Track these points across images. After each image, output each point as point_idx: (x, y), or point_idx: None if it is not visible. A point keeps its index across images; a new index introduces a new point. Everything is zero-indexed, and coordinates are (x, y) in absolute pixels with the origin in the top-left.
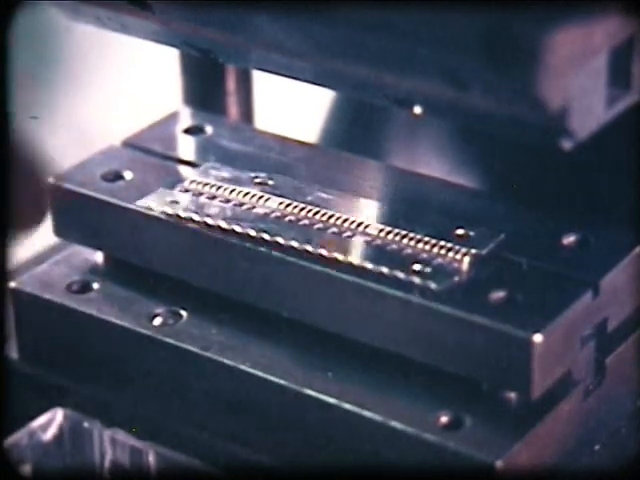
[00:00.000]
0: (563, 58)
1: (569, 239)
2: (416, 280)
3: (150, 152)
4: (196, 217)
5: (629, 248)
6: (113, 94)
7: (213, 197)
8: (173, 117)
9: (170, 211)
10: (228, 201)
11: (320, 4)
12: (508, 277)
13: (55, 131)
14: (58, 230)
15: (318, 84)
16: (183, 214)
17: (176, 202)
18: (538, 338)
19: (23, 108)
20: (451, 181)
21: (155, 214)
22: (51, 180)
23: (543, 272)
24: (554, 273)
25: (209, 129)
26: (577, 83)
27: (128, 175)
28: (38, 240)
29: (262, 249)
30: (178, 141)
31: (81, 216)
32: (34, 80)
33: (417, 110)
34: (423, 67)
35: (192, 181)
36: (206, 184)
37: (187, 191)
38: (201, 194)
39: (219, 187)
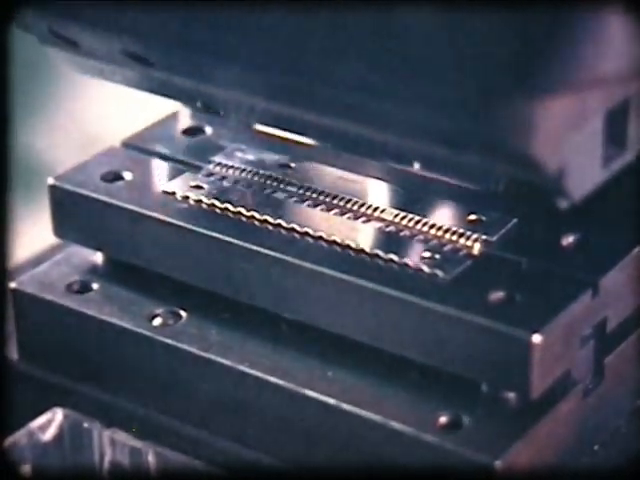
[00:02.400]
0: (558, 121)
1: (568, 239)
2: (425, 269)
3: (150, 152)
4: (218, 203)
5: (629, 248)
6: (113, 94)
7: (236, 181)
8: (173, 117)
9: (193, 196)
10: (250, 185)
11: (314, 62)
12: (507, 277)
13: (55, 131)
14: (58, 231)
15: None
16: (206, 200)
17: (199, 187)
18: (537, 338)
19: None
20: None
21: (155, 215)
22: (51, 181)
23: (543, 272)
24: (554, 273)
25: (209, 129)
26: (573, 145)
27: (128, 176)
28: (38, 240)
29: (261, 249)
30: (178, 141)
31: (81, 217)
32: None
33: (416, 167)
34: (418, 128)
35: (217, 164)
36: (230, 167)
37: (211, 175)
38: (224, 177)
39: (242, 170)
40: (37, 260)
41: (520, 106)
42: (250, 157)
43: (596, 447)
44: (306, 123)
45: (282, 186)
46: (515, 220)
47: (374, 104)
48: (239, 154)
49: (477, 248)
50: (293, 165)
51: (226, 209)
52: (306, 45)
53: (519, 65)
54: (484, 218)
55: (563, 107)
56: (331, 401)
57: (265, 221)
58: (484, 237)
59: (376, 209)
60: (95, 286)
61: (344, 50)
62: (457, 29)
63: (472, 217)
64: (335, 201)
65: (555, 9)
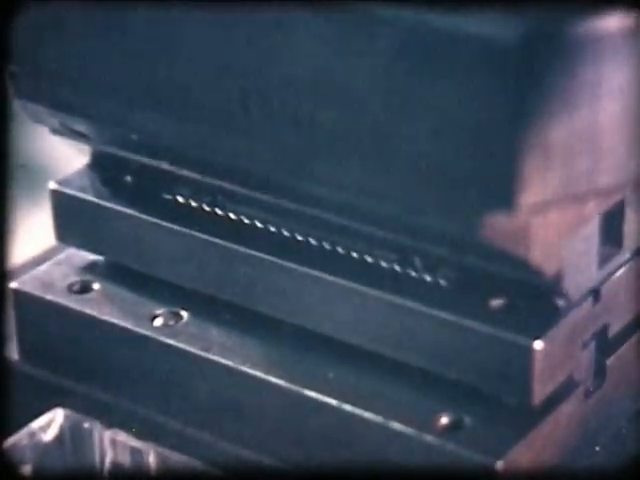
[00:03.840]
0: (556, 230)
1: None
2: (426, 275)
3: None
4: (218, 209)
5: (630, 254)
6: None
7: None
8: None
9: (194, 202)
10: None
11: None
12: (508, 283)
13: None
14: (60, 235)
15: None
16: (207, 206)
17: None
18: (539, 345)
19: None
20: None
21: (157, 220)
22: (53, 185)
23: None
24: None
25: None
26: (570, 249)
27: (129, 180)
28: (39, 240)
29: (263, 255)
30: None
31: (82, 221)
32: None
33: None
34: (419, 230)
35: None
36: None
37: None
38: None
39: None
40: (38, 260)
41: (517, 217)
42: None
43: (597, 448)
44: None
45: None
46: None
47: (370, 205)
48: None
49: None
50: None
51: (226, 214)
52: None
53: (516, 180)
54: None
55: (560, 215)
56: (332, 401)
57: (266, 226)
58: None
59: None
60: (96, 286)
61: (338, 149)
62: (455, 139)
63: None
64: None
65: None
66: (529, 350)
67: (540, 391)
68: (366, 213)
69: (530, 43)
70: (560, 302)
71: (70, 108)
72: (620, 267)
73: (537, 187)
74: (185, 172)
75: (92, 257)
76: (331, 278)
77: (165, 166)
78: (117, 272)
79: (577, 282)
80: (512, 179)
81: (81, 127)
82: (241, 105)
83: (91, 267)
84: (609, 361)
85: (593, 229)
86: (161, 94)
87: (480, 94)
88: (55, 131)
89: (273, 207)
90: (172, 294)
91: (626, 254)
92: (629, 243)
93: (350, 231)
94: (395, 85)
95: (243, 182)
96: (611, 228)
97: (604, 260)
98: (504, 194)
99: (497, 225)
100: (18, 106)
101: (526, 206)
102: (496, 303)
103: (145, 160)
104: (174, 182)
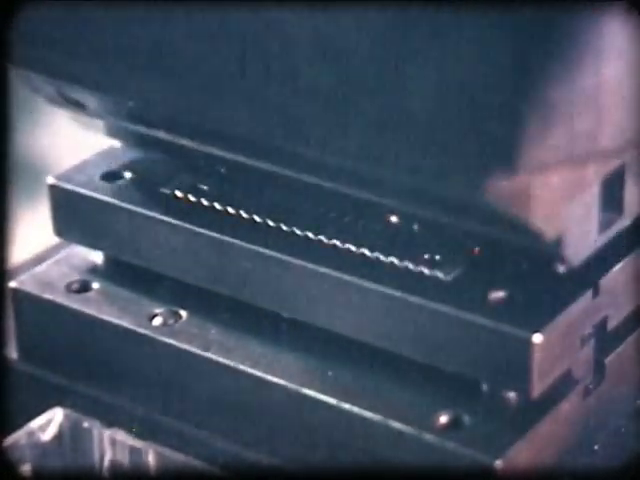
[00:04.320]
0: (557, 192)
1: None
2: (425, 271)
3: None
4: (217, 204)
5: (629, 248)
6: None
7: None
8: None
9: (193, 197)
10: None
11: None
12: (507, 277)
13: (55, 131)
14: (58, 230)
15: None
16: (205, 200)
17: (199, 187)
18: (538, 338)
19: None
20: None
21: (155, 215)
22: (51, 180)
23: (543, 271)
24: (554, 272)
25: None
26: (571, 213)
27: (128, 175)
28: (38, 240)
29: (261, 249)
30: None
31: (81, 216)
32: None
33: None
34: (418, 193)
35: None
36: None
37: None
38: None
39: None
40: (37, 259)
41: (519, 178)
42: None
43: (596, 447)
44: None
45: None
46: None
47: (372, 169)
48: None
49: (477, 248)
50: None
51: (225, 209)
52: (301, 108)
53: (518, 139)
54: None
55: (561, 178)
56: (331, 400)
57: (265, 221)
58: None
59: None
60: (95, 286)
61: (339, 112)
62: (457, 100)
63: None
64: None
65: (554, 82)
66: (528, 343)
67: (539, 384)
68: (367, 179)
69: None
70: (560, 268)
71: (66, 75)
72: (619, 234)
73: (538, 147)
74: (183, 141)
75: (91, 256)
76: (330, 272)
77: (162, 135)
78: (116, 271)
79: (578, 248)
80: (514, 139)
81: (77, 95)
82: (239, 69)
83: (90, 266)
84: (608, 359)
85: (594, 194)
86: (158, 59)
87: (482, 53)
88: (52, 100)
89: (272, 194)
90: (171, 293)
91: (627, 220)
92: (629, 210)
93: (351, 203)
94: (395, 45)
95: (241, 150)
96: (611, 195)
97: (605, 226)
98: (506, 154)
99: (498, 187)
100: (15, 76)
101: (528, 166)
102: (495, 296)
103: (142, 129)
104: (172, 175)
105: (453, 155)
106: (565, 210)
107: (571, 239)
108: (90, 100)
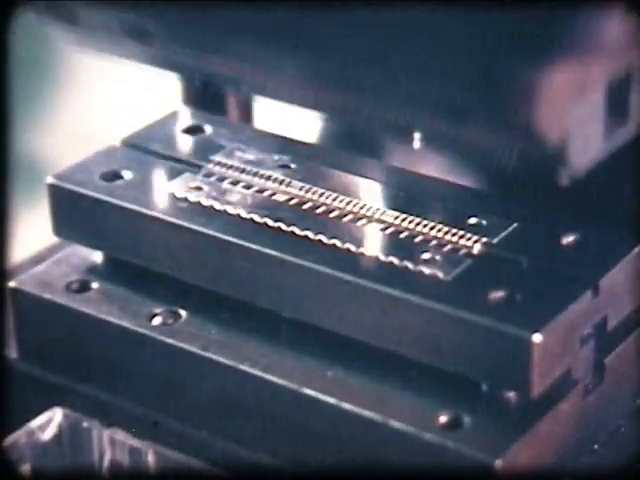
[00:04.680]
0: (561, 92)
1: (568, 239)
2: (425, 270)
3: (149, 151)
4: (217, 205)
5: (629, 248)
6: (113, 94)
7: (236, 182)
8: (173, 117)
9: (192, 198)
10: (250, 187)
11: (317, 34)
12: (507, 276)
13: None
14: (58, 230)
15: (318, 111)
16: (205, 201)
17: (199, 188)
18: (537, 338)
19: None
20: (450, 180)
21: (154, 214)
22: (50, 180)
23: (543, 271)
24: (553, 272)
25: (209, 129)
26: (575, 116)
27: (128, 175)
28: (38, 239)
29: (261, 249)
30: (178, 141)
31: (80, 216)
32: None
33: (416, 144)
34: (420, 99)
35: (217, 163)
36: (230, 167)
37: (211, 175)
38: (224, 178)
39: (242, 170)
40: (37, 259)
41: (523, 75)
42: (250, 157)
43: (596, 446)
44: (306, 95)
45: (282, 187)
46: (515, 224)
47: (376, 73)
48: (239, 154)
49: (477, 248)
50: (293, 166)
51: (225, 210)
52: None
53: (522, 34)
54: (484, 222)
55: (565, 77)
56: (331, 400)
57: (265, 222)
58: (484, 240)
59: (376, 211)
60: (94, 285)
61: (348, 22)
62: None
63: (472, 221)
64: (335, 203)
65: None
66: (528, 343)
67: (539, 384)
68: (368, 87)
69: None
70: (564, 179)
71: None
72: (624, 141)
73: (545, 42)
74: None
75: (91, 256)
76: (330, 272)
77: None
78: (116, 271)
79: (582, 153)
80: (520, 32)
81: (69, 6)
82: None
83: (90, 266)
84: (608, 359)
85: (598, 97)
86: None
87: None
88: (41, 15)
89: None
90: (171, 293)
91: (631, 128)
92: (635, 117)
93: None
94: None
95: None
96: (617, 100)
97: (610, 132)
98: (513, 48)
99: (503, 85)
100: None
101: (534, 61)
102: (495, 296)
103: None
104: (171, 175)
105: (458, 54)
106: (569, 112)
107: (575, 143)
108: (81, 11)
